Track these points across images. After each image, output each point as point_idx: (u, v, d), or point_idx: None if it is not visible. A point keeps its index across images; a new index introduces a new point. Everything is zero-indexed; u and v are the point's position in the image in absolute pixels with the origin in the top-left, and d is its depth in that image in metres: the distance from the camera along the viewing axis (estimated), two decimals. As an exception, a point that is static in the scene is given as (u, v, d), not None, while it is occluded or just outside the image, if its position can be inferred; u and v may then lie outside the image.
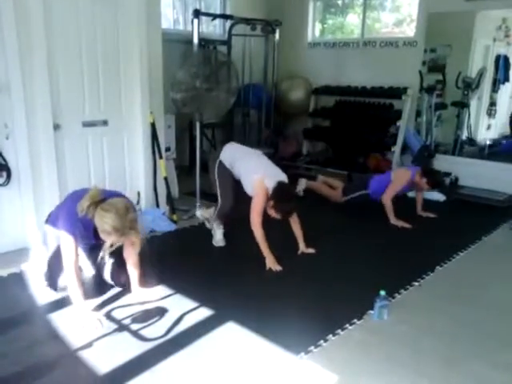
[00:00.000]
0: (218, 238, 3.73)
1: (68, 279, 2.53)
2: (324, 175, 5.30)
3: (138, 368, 2.17)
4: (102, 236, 2.43)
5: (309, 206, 4.83)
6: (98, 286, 2.88)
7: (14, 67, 3.23)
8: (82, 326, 2.45)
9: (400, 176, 4.48)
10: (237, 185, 3.56)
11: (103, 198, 2.42)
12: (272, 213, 3.31)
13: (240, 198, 3.58)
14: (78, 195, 2.55)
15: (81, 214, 2.41)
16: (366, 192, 4.57)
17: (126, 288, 2.86)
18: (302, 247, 3.59)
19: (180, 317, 2.62)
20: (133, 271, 2.77)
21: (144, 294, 2.79)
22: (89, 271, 2.85)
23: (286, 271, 3.27)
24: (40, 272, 2.90)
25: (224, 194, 3.61)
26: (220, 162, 3.59)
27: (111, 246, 2.51)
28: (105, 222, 2.34)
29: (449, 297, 2.99)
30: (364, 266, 3.40)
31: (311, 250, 3.58)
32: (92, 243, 2.70)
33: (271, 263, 3.30)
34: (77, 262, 2.55)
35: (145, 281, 2.86)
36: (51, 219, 2.79)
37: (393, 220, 4.29)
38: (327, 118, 6.53)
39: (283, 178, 3.39)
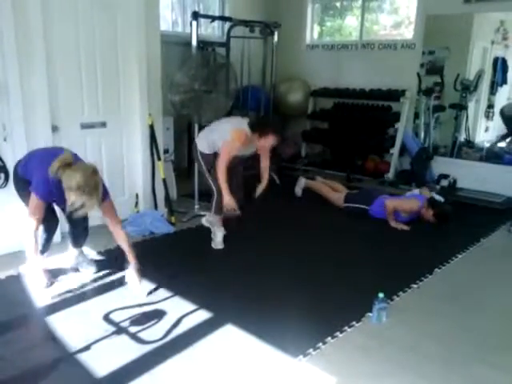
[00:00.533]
0: (218, 240, 3.71)
1: (28, 234, 2.66)
2: (324, 178, 5.29)
3: (137, 371, 2.16)
4: (66, 195, 2.50)
5: (307, 208, 4.84)
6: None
7: (12, 69, 3.23)
8: (31, 283, 2.66)
9: (410, 202, 4.45)
10: (228, 172, 3.56)
11: (73, 161, 2.55)
12: (261, 143, 3.51)
13: (233, 188, 3.61)
14: (49, 157, 2.63)
15: (52, 176, 2.51)
16: (366, 208, 4.53)
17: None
18: (265, 176, 3.81)
19: (178, 319, 2.62)
20: (124, 245, 2.92)
21: (135, 280, 2.91)
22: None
23: (285, 274, 3.27)
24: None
25: (218, 184, 3.56)
26: (201, 153, 3.63)
27: (73, 206, 2.52)
28: (71, 179, 2.45)
29: (447, 299, 2.99)
30: (363, 269, 3.40)
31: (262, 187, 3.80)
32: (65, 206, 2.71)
33: (227, 200, 3.47)
34: (40, 221, 2.69)
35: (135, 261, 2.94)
36: (22, 176, 2.81)
37: (392, 223, 4.28)
38: (325, 120, 6.53)
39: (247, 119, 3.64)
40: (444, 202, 4.58)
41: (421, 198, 4.51)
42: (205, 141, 3.64)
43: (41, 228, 2.85)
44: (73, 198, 2.48)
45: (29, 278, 2.92)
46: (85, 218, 3.04)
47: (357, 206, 4.60)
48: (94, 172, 2.53)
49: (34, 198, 2.63)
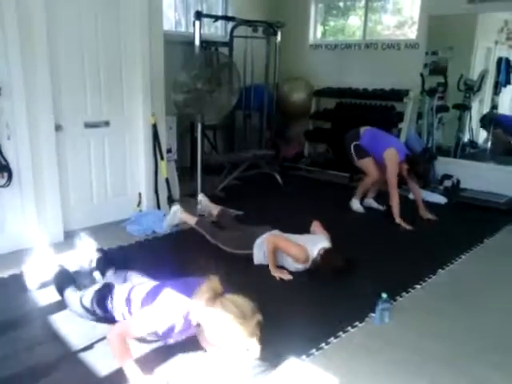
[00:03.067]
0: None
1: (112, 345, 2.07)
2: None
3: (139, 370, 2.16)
4: (206, 341, 2.02)
5: (308, 208, 4.83)
6: None
7: (15, 68, 3.23)
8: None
9: (392, 158, 4.37)
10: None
11: (223, 292, 2.03)
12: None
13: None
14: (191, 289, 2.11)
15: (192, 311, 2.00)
16: (357, 143, 4.61)
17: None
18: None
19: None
20: None
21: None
22: None
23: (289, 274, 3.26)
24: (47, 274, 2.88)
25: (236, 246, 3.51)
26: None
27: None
28: (225, 323, 1.89)
29: (451, 299, 2.98)
30: (365, 269, 3.39)
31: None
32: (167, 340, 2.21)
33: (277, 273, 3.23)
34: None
35: None
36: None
37: (398, 219, 4.27)
38: (328, 120, 6.52)
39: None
40: (423, 162, 4.67)
41: (401, 151, 4.44)
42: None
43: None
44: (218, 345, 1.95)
45: (29, 276, 2.93)
46: None
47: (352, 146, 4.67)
48: (254, 312, 1.98)
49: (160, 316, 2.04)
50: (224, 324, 1.87)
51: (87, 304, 2.40)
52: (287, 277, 3.17)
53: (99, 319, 2.42)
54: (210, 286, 1.96)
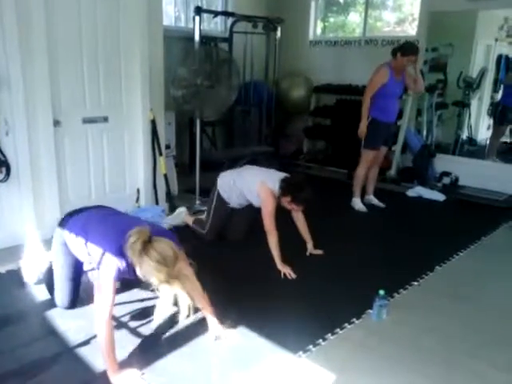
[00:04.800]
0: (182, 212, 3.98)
1: (101, 331, 2.09)
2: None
3: (136, 366, 2.16)
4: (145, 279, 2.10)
5: (309, 208, 4.82)
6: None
7: (14, 63, 3.22)
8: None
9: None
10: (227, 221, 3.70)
11: (151, 238, 2.07)
12: (293, 207, 3.31)
13: (223, 235, 3.74)
14: (118, 225, 2.30)
15: (128, 254, 2.07)
16: None
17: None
18: (310, 248, 3.57)
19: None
20: (205, 308, 2.45)
21: (221, 332, 2.42)
22: None
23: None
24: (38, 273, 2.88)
25: (212, 226, 3.69)
26: (218, 193, 3.61)
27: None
28: (151, 271, 2.01)
29: (448, 296, 2.99)
30: (363, 266, 3.39)
31: (319, 252, 3.54)
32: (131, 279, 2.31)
33: (283, 268, 3.22)
34: (112, 308, 2.15)
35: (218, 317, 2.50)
36: (77, 232, 2.39)
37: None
38: (328, 116, 6.51)
39: (282, 175, 3.38)
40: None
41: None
42: (226, 186, 3.58)
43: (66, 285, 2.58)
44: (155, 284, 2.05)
45: (26, 270, 2.94)
46: None
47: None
48: (175, 259, 2.05)
49: (108, 273, 2.14)
50: (149, 268, 2.01)
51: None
52: (292, 275, 3.16)
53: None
54: (137, 235, 2.05)
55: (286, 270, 3.19)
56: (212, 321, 2.43)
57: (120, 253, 2.11)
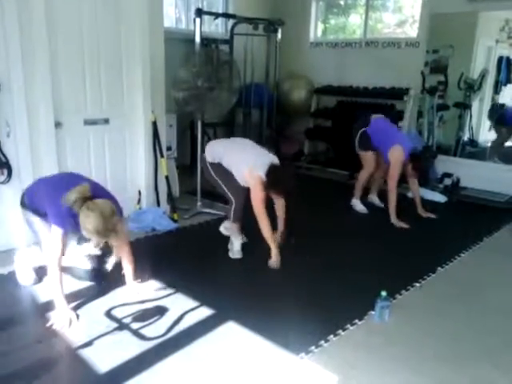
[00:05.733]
0: (236, 249, 3.51)
1: (51, 274, 2.52)
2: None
3: (138, 367, 2.16)
4: (84, 234, 2.43)
5: (308, 208, 4.83)
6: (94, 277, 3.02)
7: (15, 65, 3.23)
8: (52, 323, 2.48)
9: (396, 156, 4.29)
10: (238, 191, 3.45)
11: (91, 196, 2.43)
12: (276, 196, 3.32)
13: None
14: (60, 184, 2.59)
15: (66, 205, 2.40)
16: (364, 129, 4.51)
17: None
18: (280, 227, 3.56)
19: (180, 316, 2.62)
20: (127, 267, 2.84)
21: (138, 288, 2.86)
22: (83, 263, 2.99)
23: (287, 272, 3.26)
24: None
25: (233, 191, 3.42)
26: (210, 163, 3.49)
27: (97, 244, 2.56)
28: (88, 222, 2.34)
29: (450, 298, 2.99)
30: (365, 267, 3.39)
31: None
32: (80, 234, 2.60)
33: (275, 255, 3.29)
34: (61, 258, 2.53)
35: (138, 275, 2.91)
36: (30, 204, 2.73)
37: (393, 219, 4.27)
38: (329, 118, 6.52)
39: (271, 159, 3.32)
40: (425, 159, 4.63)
41: (405, 148, 4.36)
42: (210, 156, 3.48)
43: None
44: (89, 237, 2.43)
45: (18, 275, 2.95)
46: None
47: (359, 133, 4.56)
48: (112, 213, 2.39)
49: (54, 229, 2.50)
50: (87, 222, 2.34)
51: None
52: (276, 262, 3.29)
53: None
54: (78, 191, 2.39)
55: (276, 256, 3.26)
56: (130, 277, 2.83)
57: (66, 209, 2.40)
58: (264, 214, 3.24)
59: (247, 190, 3.34)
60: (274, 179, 3.20)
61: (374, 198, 4.89)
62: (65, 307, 2.55)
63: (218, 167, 3.44)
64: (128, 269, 2.84)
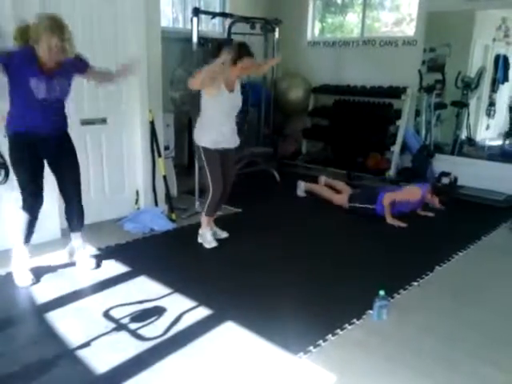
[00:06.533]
0: (209, 238, 3.64)
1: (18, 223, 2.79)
2: (327, 176, 5.21)
3: (136, 367, 2.16)
4: (41, 48, 2.55)
5: (307, 207, 4.83)
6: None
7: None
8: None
9: (411, 191, 4.50)
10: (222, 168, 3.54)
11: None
12: (240, 69, 3.37)
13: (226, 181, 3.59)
14: None
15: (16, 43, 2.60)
16: (372, 207, 4.43)
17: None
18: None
19: (178, 316, 2.61)
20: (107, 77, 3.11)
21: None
22: None
23: (286, 271, 3.26)
24: None
25: (215, 178, 3.49)
26: (203, 148, 3.49)
27: (52, 52, 2.59)
28: (39, 22, 2.55)
29: (448, 297, 2.99)
30: (363, 267, 3.39)
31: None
32: (39, 74, 2.67)
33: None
34: None
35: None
36: None
37: (389, 219, 4.27)
38: (326, 117, 6.52)
39: None
40: (446, 187, 4.77)
41: (422, 187, 4.54)
42: (200, 131, 3.51)
43: (23, 212, 2.90)
44: (47, 43, 2.54)
45: (15, 276, 2.95)
46: (77, 189, 3.04)
47: (362, 206, 4.50)
48: (58, 17, 2.61)
49: None
50: (39, 27, 2.54)
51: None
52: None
53: None
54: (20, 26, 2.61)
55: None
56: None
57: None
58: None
59: (224, 182, 3.50)
60: (235, 49, 3.32)
61: None
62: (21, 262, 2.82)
63: (211, 154, 3.48)
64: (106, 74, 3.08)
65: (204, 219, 3.67)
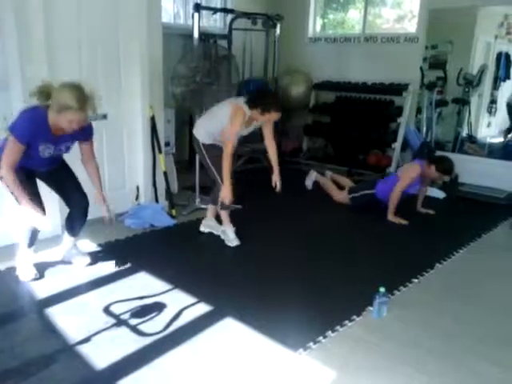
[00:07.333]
0: (232, 236, 3.61)
1: (6, 178, 2.58)
2: (333, 173, 5.21)
3: (136, 363, 2.16)
4: (61, 119, 2.49)
5: (308, 203, 4.83)
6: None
7: (12, 60, 3.21)
8: (30, 221, 2.67)
9: (408, 170, 4.38)
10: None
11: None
12: (265, 118, 3.37)
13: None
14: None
15: (31, 100, 2.52)
16: (371, 191, 4.45)
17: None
18: (275, 168, 3.68)
19: (178, 312, 2.61)
20: (95, 180, 2.98)
21: (106, 204, 2.99)
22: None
23: (286, 268, 3.26)
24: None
25: (220, 169, 3.44)
26: (203, 144, 3.52)
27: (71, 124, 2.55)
28: (64, 95, 2.44)
29: (448, 294, 2.99)
30: (363, 263, 3.39)
31: (278, 183, 3.68)
32: (49, 140, 2.67)
33: (227, 192, 3.36)
34: (14, 165, 2.56)
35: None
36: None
37: (391, 217, 4.26)
38: (327, 114, 6.51)
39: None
40: (444, 157, 4.57)
41: (417, 162, 4.47)
42: (203, 131, 3.54)
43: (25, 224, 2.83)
44: (69, 117, 2.48)
45: (18, 270, 2.95)
46: (84, 198, 3.01)
47: (362, 193, 4.51)
48: (82, 85, 2.55)
49: (10, 141, 2.53)
50: (62, 97, 2.46)
51: None
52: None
53: None
54: (42, 86, 2.51)
55: (229, 196, 3.36)
56: (98, 189, 2.99)
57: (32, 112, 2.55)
58: (231, 157, 3.34)
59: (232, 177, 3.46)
60: (259, 99, 3.35)
61: None
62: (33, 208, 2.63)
63: (213, 148, 3.51)
64: (96, 182, 2.97)
65: (223, 214, 3.64)
